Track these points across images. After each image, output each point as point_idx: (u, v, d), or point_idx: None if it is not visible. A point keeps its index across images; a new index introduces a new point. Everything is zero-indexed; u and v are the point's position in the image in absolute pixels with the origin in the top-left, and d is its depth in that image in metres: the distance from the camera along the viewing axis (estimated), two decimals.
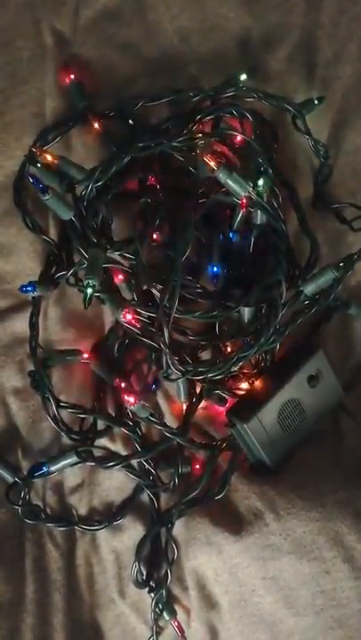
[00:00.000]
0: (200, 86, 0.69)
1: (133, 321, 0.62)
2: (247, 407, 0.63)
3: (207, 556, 0.62)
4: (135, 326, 0.63)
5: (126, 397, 0.62)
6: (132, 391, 0.64)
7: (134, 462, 0.66)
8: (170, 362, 0.60)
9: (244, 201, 0.61)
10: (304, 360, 0.65)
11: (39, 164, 0.62)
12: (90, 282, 0.56)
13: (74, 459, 0.64)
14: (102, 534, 0.66)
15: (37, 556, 0.66)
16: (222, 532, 0.61)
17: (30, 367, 0.67)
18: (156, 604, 0.64)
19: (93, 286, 0.56)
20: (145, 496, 0.67)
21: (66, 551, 0.67)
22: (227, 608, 0.62)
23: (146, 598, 0.65)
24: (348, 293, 0.70)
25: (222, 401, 0.67)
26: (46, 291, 0.66)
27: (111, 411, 0.68)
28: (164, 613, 0.64)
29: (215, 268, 0.66)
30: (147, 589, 0.64)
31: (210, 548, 0.62)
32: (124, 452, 0.67)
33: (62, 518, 0.67)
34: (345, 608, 0.58)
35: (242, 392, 0.67)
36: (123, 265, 0.64)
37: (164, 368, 0.62)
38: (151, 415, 0.65)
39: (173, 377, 0.62)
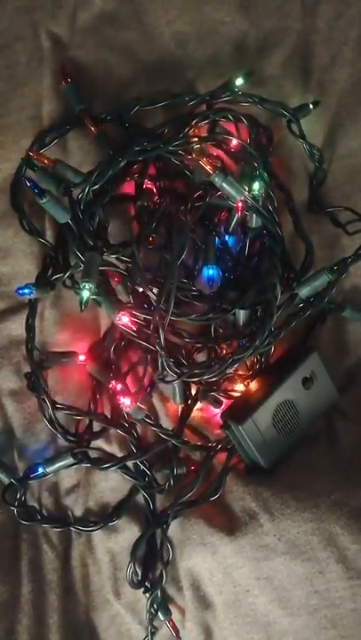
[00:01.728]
0: (196, 90, 0.70)
1: (129, 323, 0.63)
2: (242, 409, 0.64)
3: (202, 556, 0.62)
4: (131, 328, 0.63)
5: (122, 399, 0.63)
6: (128, 393, 0.65)
7: (130, 463, 0.66)
8: (165, 364, 0.61)
9: (240, 204, 0.62)
10: (299, 362, 0.65)
11: (36, 168, 0.63)
12: (86, 284, 0.57)
13: (70, 460, 0.65)
14: (98, 535, 0.67)
15: (33, 556, 0.66)
16: (217, 532, 0.62)
17: (26, 369, 0.68)
18: (151, 604, 0.64)
19: (90, 289, 0.57)
20: (140, 497, 0.67)
21: (61, 552, 0.67)
22: (221, 608, 0.62)
23: (141, 599, 0.66)
24: (342, 296, 0.71)
25: (217, 403, 0.68)
26: (43, 293, 0.66)
27: (107, 412, 0.68)
28: (159, 613, 0.64)
29: (211, 271, 0.67)
30: (142, 590, 0.65)
31: (205, 548, 0.62)
32: (119, 454, 0.67)
33: (58, 519, 0.67)
34: (338, 608, 0.59)
35: (237, 394, 0.67)
36: (119, 268, 0.64)
37: (160, 370, 0.62)
38: (147, 417, 0.65)
39: (169, 379, 0.63)
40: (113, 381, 0.65)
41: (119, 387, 0.65)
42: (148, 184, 0.67)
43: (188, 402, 0.67)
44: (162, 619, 0.65)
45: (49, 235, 0.68)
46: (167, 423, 0.68)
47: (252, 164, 0.65)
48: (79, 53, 0.70)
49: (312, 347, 0.68)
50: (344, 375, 0.71)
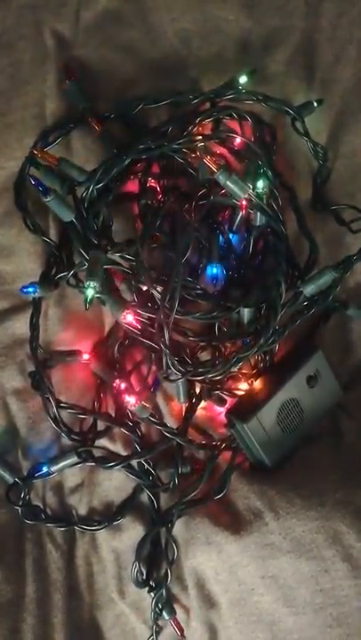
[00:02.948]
0: (200, 88, 0.69)
1: (134, 322, 0.63)
2: (247, 407, 0.64)
3: (207, 555, 0.62)
4: (135, 327, 0.63)
5: (127, 398, 0.63)
6: (132, 392, 0.64)
7: (134, 462, 0.66)
8: (170, 362, 0.60)
9: (244, 203, 0.62)
10: (303, 360, 0.65)
11: (40, 166, 0.63)
12: (91, 283, 0.57)
13: (74, 459, 0.65)
14: (102, 534, 0.67)
15: (37, 556, 0.66)
16: (222, 531, 0.62)
17: (31, 368, 0.68)
18: (156, 603, 0.64)
19: (94, 287, 0.57)
20: (145, 496, 0.67)
21: (66, 551, 0.67)
22: (226, 607, 0.62)
23: (145, 598, 0.65)
24: (346, 294, 0.70)
25: (222, 401, 0.68)
26: (47, 292, 0.66)
27: (111, 411, 0.68)
28: (164, 613, 0.64)
29: (215, 270, 0.67)
30: (146, 589, 0.65)
31: (209, 547, 0.62)
32: (123, 453, 0.67)
33: (62, 518, 0.67)
34: (344, 606, 0.58)
35: (241, 392, 0.67)
36: (123, 266, 0.64)
37: (164, 368, 0.62)
38: (151, 415, 0.65)
39: (173, 377, 0.63)
40: (117, 380, 0.65)
41: (123, 385, 0.65)
42: (152, 182, 0.66)
43: (193, 400, 0.67)
44: (166, 618, 0.64)
45: (53, 233, 0.68)
46: (171, 422, 0.68)
47: (256, 162, 0.65)
48: (83, 52, 0.70)
49: (316, 345, 0.68)
50: (348, 373, 0.71)
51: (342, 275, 0.63)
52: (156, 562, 0.65)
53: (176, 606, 0.65)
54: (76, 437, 0.66)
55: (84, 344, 0.69)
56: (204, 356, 0.68)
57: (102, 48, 0.70)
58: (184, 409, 0.67)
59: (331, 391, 0.67)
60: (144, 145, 0.63)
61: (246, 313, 0.63)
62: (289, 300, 0.64)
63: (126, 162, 0.62)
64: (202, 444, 0.67)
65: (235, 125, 0.68)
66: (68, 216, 0.62)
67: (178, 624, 0.65)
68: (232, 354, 0.62)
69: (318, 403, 0.66)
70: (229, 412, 0.66)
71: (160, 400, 0.69)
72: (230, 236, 0.68)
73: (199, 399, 0.67)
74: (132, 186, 0.67)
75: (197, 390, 0.68)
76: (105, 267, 0.62)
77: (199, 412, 0.68)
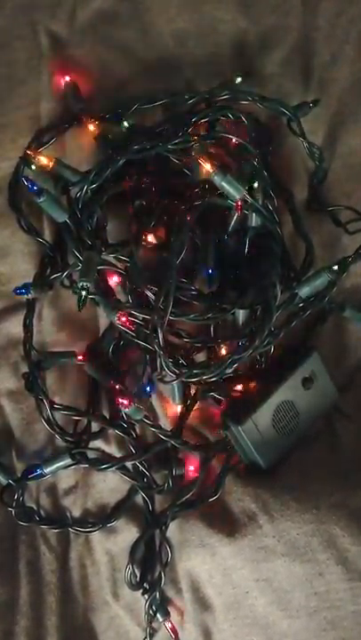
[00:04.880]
0: (196, 89, 0.69)
1: (128, 323, 0.62)
2: (242, 409, 0.63)
3: (201, 557, 0.62)
4: (130, 328, 0.63)
5: (120, 400, 0.62)
6: (127, 393, 0.64)
7: (128, 464, 0.66)
8: (164, 364, 0.60)
9: (239, 203, 0.61)
10: (299, 362, 0.65)
11: (34, 166, 0.63)
12: (84, 284, 0.56)
13: (68, 460, 0.64)
14: (96, 536, 0.66)
15: (31, 558, 0.66)
16: (216, 533, 0.61)
17: (24, 369, 0.67)
18: (150, 605, 0.64)
19: (88, 288, 0.56)
20: (139, 498, 0.67)
21: (60, 553, 0.67)
22: (220, 610, 0.62)
23: (140, 600, 0.65)
24: (342, 296, 0.70)
25: (217, 403, 0.67)
26: (41, 292, 0.65)
27: (105, 413, 0.68)
28: (158, 615, 0.64)
29: (210, 271, 0.66)
30: (140, 591, 0.64)
31: (204, 549, 0.62)
32: (118, 454, 0.67)
33: (56, 520, 0.67)
34: (338, 610, 0.58)
35: (236, 394, 0.67)
36: (117, 267, 0.64)
37: (159, 370, 0.62)
38: (145, 417, 0.65)
39: (168, 379, 0.62)
40: (111, 381, 0.65)
41: (118, 387, 0.64)
42: (146, 183, 0.66)
43: (188, 402, 0.67)
44: (160, 620, 0.64)
45: (47, 234, 0.68)
46: (166, 423, 0.68)
47: (251, 162, 0.64)
48: (78, 52, 0.70)
49: (312, 346, 0.68)
50: (344, 375, 0.70)
51: (338, 276, 0.63)
52: (151, 564, 0.65)
53: (170, 609, 0.65)
54: (69, 439, 0.66)
55: (79, 345, 0.68)
56: (199, 357, 0.67)
57: (97, 48, 0.70)
58: (179, 410, 0.67)
59: (327, 393, 0.66)
60: (139, 145, 0.62)
61: (241, 314, 0.63)
62: (285, 301, 0.64)
63: (121, 162, 0.62)
64: (197, 446, 0.66)
65: (230, 126, 0.68)
66: (62, 217, 0.62)
67: (172, 626, 0.65)
68: (227, 355, 0.62)
69: (314, 405, 0.66)
70: (224, 414, 0.65)
71: (155, 402, 0.68)
72: (225, 236, 0.68)
73: (194, 401, 0.67)
74: (127, 186, 0.66)
75: (192, 392, 0.67)
76: (99, 267, 0.62)
77: (194, 413, 0.67)
